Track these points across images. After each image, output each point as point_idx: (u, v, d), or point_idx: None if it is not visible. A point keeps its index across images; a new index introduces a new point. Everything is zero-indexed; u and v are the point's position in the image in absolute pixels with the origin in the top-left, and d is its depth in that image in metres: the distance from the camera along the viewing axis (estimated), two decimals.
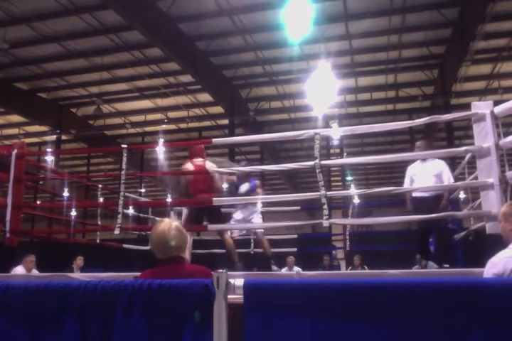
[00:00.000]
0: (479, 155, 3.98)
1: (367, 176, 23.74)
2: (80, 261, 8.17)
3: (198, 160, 5.64)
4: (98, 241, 7.61)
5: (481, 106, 4.02)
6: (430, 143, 5.65)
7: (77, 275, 4.28)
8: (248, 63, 14.67)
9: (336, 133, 8.93)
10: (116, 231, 4.86)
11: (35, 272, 6.96)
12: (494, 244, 3.00)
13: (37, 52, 13.81)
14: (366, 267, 8.92)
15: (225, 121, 17.06)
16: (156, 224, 2.47)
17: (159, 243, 2.36)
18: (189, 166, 5.68)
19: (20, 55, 13.91)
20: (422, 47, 13.74)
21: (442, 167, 5.57)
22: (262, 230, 6.45)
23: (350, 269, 8.93)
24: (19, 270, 6.67)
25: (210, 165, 5.59)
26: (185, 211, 6.50)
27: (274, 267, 6.44)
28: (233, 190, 6.21)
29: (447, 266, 5.04)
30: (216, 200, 5.05)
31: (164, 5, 11.61)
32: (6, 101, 15.87)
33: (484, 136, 3.92)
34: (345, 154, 17.43)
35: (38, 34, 12.81)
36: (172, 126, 18.42)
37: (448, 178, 5.47)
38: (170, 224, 2.41)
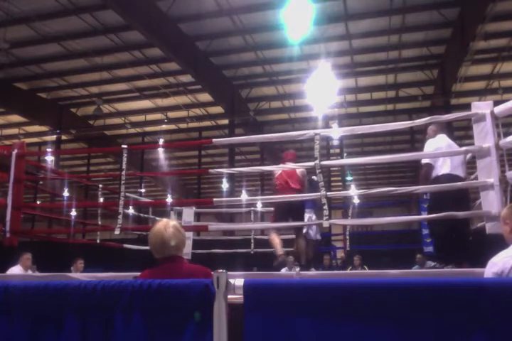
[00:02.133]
0: (479, 155, 3.98)
1: (367, 176, 23.74)
2: (80, 265, 7.65)
3: (290, 164, 5.66)
4: (98, 241, 7.60)
5: (481, 106, 4.02)
6: (439, 127, 5.06)
7: (77, 275, 4.28)
8: (248, 63, 14.69)
9: (336, 133, 8.95)
10: (117, 232, 4.86)
11: (30, 271, 6.96)
12: (494, 244, 2.99)
13: (37, 52, 13.83)
14: (366, 267, 8.92)
15: (225, 121, 17.07)
16: (154, 224, 2.47)
17: (157, 243, 2.35)
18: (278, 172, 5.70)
19: (20, 55, 13.92)
20: (422, 47, 13.75)
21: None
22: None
23: (350, 269, 8.93)
24: (15, 270, 6.65)
25: (300, 170, 5.59)
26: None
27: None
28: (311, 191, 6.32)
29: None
30: (216, 200, 5.06)
31: (164, 5, 11.62)
32: (6, 101, 15.89)
33: (484, 136, 3.92)
34: (345, 154, 17.44)
35: (38, 34, 12.82)
36: (172, 126, 18.43)
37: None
38: (168, 223, 2.41)
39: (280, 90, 16.27)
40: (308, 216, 6.68)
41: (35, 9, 11.68)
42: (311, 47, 13.12)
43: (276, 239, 5.43)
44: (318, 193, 4.41)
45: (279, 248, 5.31)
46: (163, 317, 1.68)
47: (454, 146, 4.74)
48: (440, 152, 4.52)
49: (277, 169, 5.51)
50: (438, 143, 4.70)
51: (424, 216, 7.76)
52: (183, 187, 24.50)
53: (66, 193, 13.44)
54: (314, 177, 6.91)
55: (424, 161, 4.60)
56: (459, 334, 1.44)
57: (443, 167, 4.58)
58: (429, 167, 4.57)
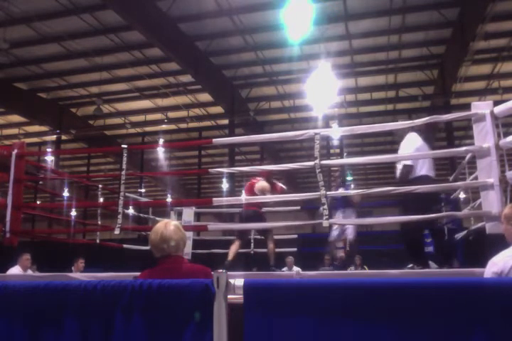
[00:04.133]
0: (479, 155, 3.98)
1: (367, 176, 23.74)
2: (81, 264, 7.66)
3: (256, 179, 6.13)
4: (98, 241, 7.60)
5: (481, 106, 4.01)
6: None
7: (77, 275, 4.28)
8: (248, 63, 14.68)
9: (336, 133, 8.95)
10: (117, 232, 4.86)
11: (30, 271, 6.96)
12: (494, 244, 3.00)
13: (37, 52, 13.82)
14: (366, 267, 8.91)
15: (225, 121, 17.07)
16: (155, 224, 2.48)
17: (158, 243, 2.36)
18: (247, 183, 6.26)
19: (20, 55, 13.92)
20: (422, 47, 13.75)
21: (400, 146, 4.75)
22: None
23: (351, 269, 8.92)
24: (14, 270, 6.64)
25: (258, 184, 5.97)
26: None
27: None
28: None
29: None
30: (216, 200, 5.07)
31: (164, 5, 11.62)
32: (6, 101, 15.88)
33: (484, 136, 3.92)
34: (345, 154, 17.43)
35: (38, 34, 12.82)
36: (172, 126, 18.42)
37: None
38: (168, 223, 2.42)
39: (280, 90, 16.26)
40: (342, 215, 6.99)
41: (35, 9, 11.68)
42: (311, 47, 13.11)
43: (233, 248, 5.96)
44: (318, 193, 4.41)
45: (231, 255, 5.87)
46: (163, 317, 1.68)
47: (426, 146, 4.70)
48: (441, 151, 4.51)
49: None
50: (416, 142, 4.63)
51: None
52: (183, 187, 24.50)
53: (66, 193, 13.43)
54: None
55: (406, 163, 4.53)
56: (459, 334, 1.44)
57: (423, 168, 4.56)
58: (410, 168, 4.52)
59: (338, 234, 7.54)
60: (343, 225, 7.30)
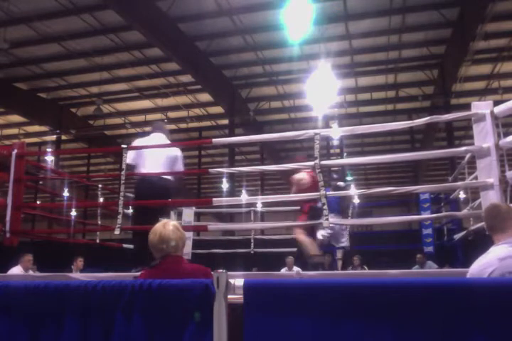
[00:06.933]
0: (479, 155, 3.97)
1: (367, 176, 23.75)
2: (80, 263, 7.81)
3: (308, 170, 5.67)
4: (98, 241, 7.59)
5: (481, 106, 4.01)
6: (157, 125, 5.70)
7: (77, 275, 4.28)
8: (248, 63, 14.69)
9: (336, 133, 8.95)
10: (117, 232, 4.84)
11: (31, 271, 6.95)
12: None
13: (37, 52, 13.83)
14: (366, 267, 8.92)
15: (225, 121, 17.07)
16: (155, 224, 2.48)
17: (157, 243, 2.36)
18: (304, 175, 5.60)
19: (20, 55, 13.92)
20: (422, 47, 13.75)
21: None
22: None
23: (351, 269, 8.92)
24: (15, 270, 6.63)
25: (297, 175, 5.59)
26: None
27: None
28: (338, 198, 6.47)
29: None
30: (215, 200, 5.06)
31: (164, 5, 11.62)
32: (6, 101, 15.88)
33: (484, 136, 3.91)
34: (345, 154, 17.43)
35: (38, 34, 12.82)
36: (172, 126, 18.41)
37: None
38: (167, 224, 2.42)
39: (280, 90, 16.27)
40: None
41: (35, 9, 11.68)
42: (311, 47, 13.11)
43: (307, 239, 5.38)
44: (318, 193, 4.40)
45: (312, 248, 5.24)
46: (163, 317, 1.68)
47: (160, 151, 5.07)
48: (441, 151, 4.51)
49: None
50: (141, 144, 5.07)
51: (425, 216, 7.77)
52: (183, 187, 24.50)
53: (66, 193, 13.43)
54: (340, 183, 7.01)
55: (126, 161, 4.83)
56: (459, 335, 1.44)
57: (141, 169, 4.89)
58: (130, 168, 4.86)
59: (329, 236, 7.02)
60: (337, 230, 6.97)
